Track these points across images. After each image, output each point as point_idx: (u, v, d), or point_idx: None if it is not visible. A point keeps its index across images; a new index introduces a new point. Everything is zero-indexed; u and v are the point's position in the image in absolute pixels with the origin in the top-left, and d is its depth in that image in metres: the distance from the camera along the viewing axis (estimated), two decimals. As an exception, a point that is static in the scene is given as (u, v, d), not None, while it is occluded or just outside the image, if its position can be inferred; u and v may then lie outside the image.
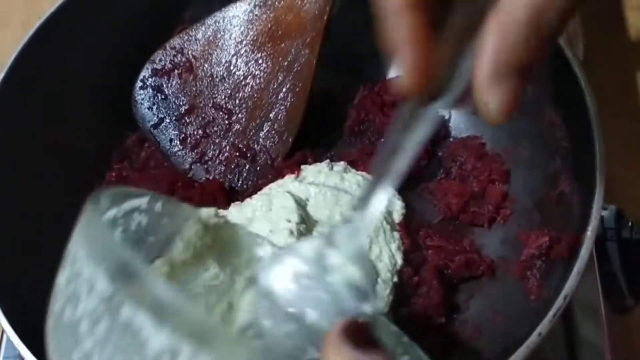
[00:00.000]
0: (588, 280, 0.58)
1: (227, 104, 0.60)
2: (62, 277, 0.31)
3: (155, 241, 0.41)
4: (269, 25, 0.58)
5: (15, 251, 0.52)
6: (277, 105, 0.59)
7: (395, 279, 0.52)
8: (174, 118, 0.60)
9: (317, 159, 0.59)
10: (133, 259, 0.29)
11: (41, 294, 0.52)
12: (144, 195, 0.39)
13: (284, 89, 0.59)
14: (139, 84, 0.60)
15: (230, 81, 0.59)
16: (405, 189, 0.59)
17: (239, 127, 0.60)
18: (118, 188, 0.37)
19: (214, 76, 0.60)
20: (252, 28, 0.59)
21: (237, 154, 0.60)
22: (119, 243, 0.32)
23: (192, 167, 0.60)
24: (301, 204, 0.53)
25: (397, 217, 0.56)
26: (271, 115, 0.59)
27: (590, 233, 0.47)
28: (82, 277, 0.30)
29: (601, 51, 0.73)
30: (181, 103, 0.60)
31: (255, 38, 0.59)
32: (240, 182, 0.60)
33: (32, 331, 0.47)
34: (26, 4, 0.75)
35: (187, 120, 0.60)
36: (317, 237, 0.49)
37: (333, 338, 0.30)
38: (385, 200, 0.34)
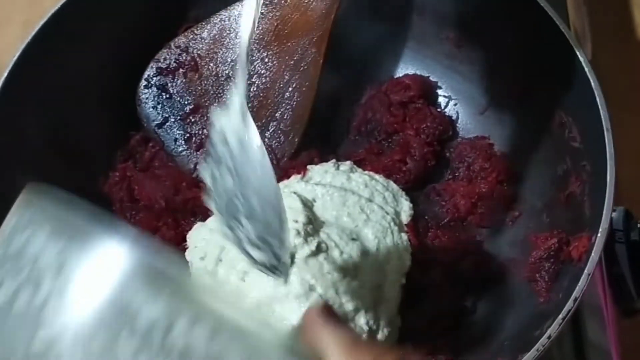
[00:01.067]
0: (596, 282, 0.58)
1: (233, 104, 0.59)
2: None
3: None
4: (275, 24, 0.58)
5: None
6: (283, 104, 0.59)
7: (403, 280, 0.52)
8: (178, 117, 0.60)
9: (323, 159, 0.58)
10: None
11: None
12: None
13: (290, 88, 0.58)
14: (143, 83, 0.60)
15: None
16: (413, 190, 0.58)
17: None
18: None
19: (219, 75, 0.59)
20: (258, 27, 0.58)
21: (243, 153, 0.59)
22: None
23: (197, 166, 0.59)
24: (308, 205, 0.52)
25: (405, 218, 0.56)
26: (277, 114, 0.59)
27: (600, 235, 0.46)
28: (40, 261, 0.29)
29: (609, 50, 0.73)
30: (186, 102, 0.60)
31: (261, 37, 0.58)
32: (245, 182, 0.59)
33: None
34: (29, 3, 0.75)
35: (192, 120, 0.60)
36: None
37: (314, 320, 0.32)
38: None
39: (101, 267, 0.28)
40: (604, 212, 0.47)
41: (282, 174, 0.57)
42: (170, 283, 0.29)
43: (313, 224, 0.50)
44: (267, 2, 0.58)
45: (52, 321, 0.27)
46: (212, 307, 0.29)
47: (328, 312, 0.33)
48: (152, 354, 0.27)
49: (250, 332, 0.29)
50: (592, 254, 0.46)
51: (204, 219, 0.56)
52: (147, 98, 0.60)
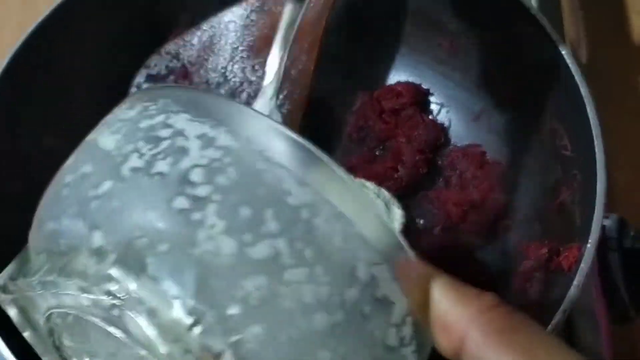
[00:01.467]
0: (590, 290, 0.58)
1: (223, 111, 0.59)
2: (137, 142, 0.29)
3: None
4: (266, 31, 0.58)
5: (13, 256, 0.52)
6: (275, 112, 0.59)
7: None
8: (169, 124, 0.60)
9: (315, 166, 0.58)
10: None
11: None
12: None
13: (281, 96, 0.58)
14: (133, 89, 0.60)
15: (227, 87, 0.59)
16: (404, 198, 0.58)
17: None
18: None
19: (210, 82, 0.59)
20: (249, 33, 0.58)
21: (234, 161, 0.59)
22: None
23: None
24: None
25: (396, 225, 0.56)
26: (268, 122, 0.59)
27: (590, 246, 0.46)
28: (186, 136, 0.29)
29: (605, 55, 0.73)
30: (176, 109, 0.60)
31: (251, 44, 0.58)
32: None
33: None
34: (23, 6, 0.75)
35: (182, 127, 0.60)
36: None
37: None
38: None
39: (254, 143, 0.28)
40: (594, 223, 0.46)
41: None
42: (319, 169, 0.29)
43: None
44: (258, 9, 0.57)
45: (198, 184, 0.27)
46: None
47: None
48: (296, 235, 0.27)
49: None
50: (582, 264, 0.46)
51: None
52: (137, 105, 0.60)
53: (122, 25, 0.60)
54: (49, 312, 0.30)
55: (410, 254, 0.30)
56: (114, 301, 0.27)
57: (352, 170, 0.59)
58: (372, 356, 0.28)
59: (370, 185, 0.57)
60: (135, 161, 0.28)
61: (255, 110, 0.30)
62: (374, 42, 0.63)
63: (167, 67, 0.60)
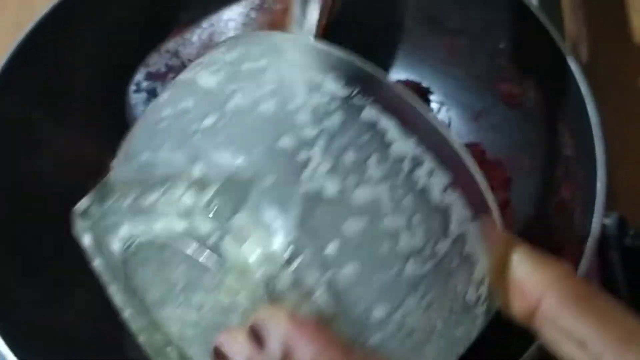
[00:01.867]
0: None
1: (223, 109, 0.59)
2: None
3: None
4: (265, 29, 0.58)
5: (2, 256, 0.52)
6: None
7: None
8: (168, 123, 0.60)
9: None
10: (369, 68, 0.30)
11: (33, 306, 0.52)
12: None
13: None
14: (133, 87, 0.59)
15: (226, 85, 0.59)
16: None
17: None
18: None
19: (210, 80, 0.59)
20: (249, 31, 0.58)
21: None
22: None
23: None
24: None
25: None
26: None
27: (590, 245, 0.46)
28: (292, 80, 0.29)
29: (605, 54, 0.73)
30: (176, 107, 0.60)
31: (251, 42, 0.58)
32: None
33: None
34: (18, 5, 0.74)
35: (182, 125, 0.59)
36: None
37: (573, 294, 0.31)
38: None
39: (360, 93, 0.29)
40: (594, 221, 0.46)
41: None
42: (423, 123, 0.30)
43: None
44: (258, 7, 0.57)
45: (305, 125, 0.28)
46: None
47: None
48: (396, 183, 0.28)
49: None
50: (582, 263, 0.46)
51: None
52: (136, 103, 0.60)
53: (122, 23, 0.60)
54: (130, 241, 0.31)
55: (498, 218, 0.31)
56: (213, 229, 0.27)
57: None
58: (451, 309, 0.29)
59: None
60: (240, 99, 0.29)
61: (362, 61, 0.31)
62: (374, 40, 0.63)
63: (166, 65, 0.59)
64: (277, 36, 0.33)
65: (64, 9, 0.56)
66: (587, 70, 0.51)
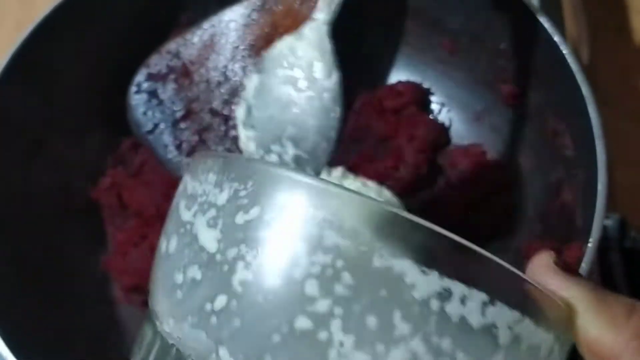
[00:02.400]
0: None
1: (224, 110, 0.59)
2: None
3: None
4: (266, 30, 0.57)
5: (1, 258, 0.52)
6: (275, 111, 0.58)
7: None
8: (169, 124, 0.59)
9: (315, 165, 0.58)
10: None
11: (30, 305, 0.52)
12: None
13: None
14: (133, 88, 0.59)
15: (227, 86, 0.58)
16: (405, 197, 0.58)
17: (235, 133, 0.59)
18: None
19: (210, 81, 0.59)
20: (250, 32, 0.57)
21: (234, 160, 0.59)
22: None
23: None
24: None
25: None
26: (269, 121, 0.58)
27: (591, 246, 0.46)
28: (291, 237, 0.27)
29: (607, 56, 0.73)
30: (177, 108, 0.59)
31: (252, 43, 0.58)
32: (236, 189, 0.59)
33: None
34: (20, 4, 0.74)
35: (183, 126, 0.59)
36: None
37: (549, 267, 0.31)
38: None
39: (362, 236, 0.26)
40: (595, 223, 0.46)
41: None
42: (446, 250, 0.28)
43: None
44: (259, 8, 0.57)
45: (316, 298, 0.26)
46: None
47: (562, 260, 0.32)
48: (429, 330, 0.26)
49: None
50: (583, 264, 0.46)
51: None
52: (137, 104, 0.59)
53: (123, 24, 0.60)
54: None
55: (547, 292, 0.29)
56: None
57: (353, 169, 0.59)
58: None
59: (371, 184, 0.57)
60: (243, 273, 0.27)
61: (351, 191, 0.28)
62: (375, 41, 0.63)
63: (167, 65, 0.59)
64: (256, 167, 0.30)
65: (65, 9, 0.56)
66: (587, 71, 0.51)
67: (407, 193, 0.58)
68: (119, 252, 0.58)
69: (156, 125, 0.59)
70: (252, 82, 0.45)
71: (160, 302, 0.30)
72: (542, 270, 0.31)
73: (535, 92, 0.56)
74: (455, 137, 0.61)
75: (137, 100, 0.59)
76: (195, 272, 0.28)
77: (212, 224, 0.29)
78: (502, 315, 0.27)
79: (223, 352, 0.27)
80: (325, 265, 0.26)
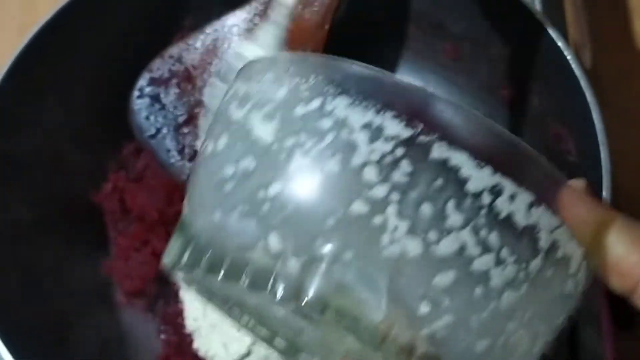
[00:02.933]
0: (594, 294, 0.57)
1: (226, 114, 0.59)
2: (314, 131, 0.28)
3: None
4: (270, 34, 0.57)
5: (5, 264, 0.52)
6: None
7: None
8: (171, 128, 0.59)
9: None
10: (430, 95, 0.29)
11: (32, 309, 0.52)
12: None
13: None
14: (136, 93, 0.59)
15: (230, 91, 0.58)
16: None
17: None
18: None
19: (213, 86, 0.59)
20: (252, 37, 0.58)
21: (236, 164, 0.59)
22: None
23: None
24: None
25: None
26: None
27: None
28: (351, 127, 0.28)
29: (609, 60, 0.72)
30: (179, 113, 0.59)
31: (254, 47, 0.58)
32: (238, 193, 0.58)
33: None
34: (22, 9, 0.74)
35: (185, 131, 0.59)
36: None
37: (583, 199, 0.31)
38: None
39: (424, 128, 0.28)
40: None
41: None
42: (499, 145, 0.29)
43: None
44: (261, 14, 0.57)
45: (374, 183, 0.27)
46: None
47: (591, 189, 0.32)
48: (479, 223, 0.27)
49: None
50: (587, 270, 0.46)
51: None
52: (139, 108, 0.59)
53: (125, 28, 0.60)
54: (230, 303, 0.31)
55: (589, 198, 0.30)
56: (300, 306, 0.27)
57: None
58: (550, 307, 0.29)
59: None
60: (300, 159, 0.28)
61: (417, 87, 0.29)
62: (377, 46, 0.63)
63: (170, 70, 0.59)
64: (321, 63, 0.32)
65: (67, 13, 0.56)
66: (590, 75, 0.51)
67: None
68: (121, 257, 0.58)
69: (158, 130, 0.59)
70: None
71: (204, 199, 0.30)
72: (573, 196, 0.32)
73: (538, 97, 0.56)
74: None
75: (139, 104, 0.59)
76: (249, 163, 0.29)
77: (269, 117, 0.29)
78: (545, 218, 0.28)
79: (273, 238, 0.27)
80: (384, 152, 0.27)
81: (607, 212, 0.31)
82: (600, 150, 0.48)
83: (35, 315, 0.52)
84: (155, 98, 0.59)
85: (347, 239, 0.26)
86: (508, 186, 0.27)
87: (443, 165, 0.27)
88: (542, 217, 0.28)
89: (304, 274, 0.27)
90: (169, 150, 0.59)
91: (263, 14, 0.57)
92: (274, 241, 0.27)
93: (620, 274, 0.30)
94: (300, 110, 0.29)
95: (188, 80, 0.59)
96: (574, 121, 0.52)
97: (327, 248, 0.26)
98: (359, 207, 0.26)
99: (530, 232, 0.28)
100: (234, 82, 0.33)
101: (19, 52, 0.55)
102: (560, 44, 0.51)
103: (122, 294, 0.58)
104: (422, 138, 0.27)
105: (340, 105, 0.28)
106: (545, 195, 0.29)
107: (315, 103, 0.28)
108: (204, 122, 0.54)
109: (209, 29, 0.58)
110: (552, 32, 0.52)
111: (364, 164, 0.27)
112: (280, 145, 0.28)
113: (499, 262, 0.27)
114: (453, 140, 0.27)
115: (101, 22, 0.59)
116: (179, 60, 0.59)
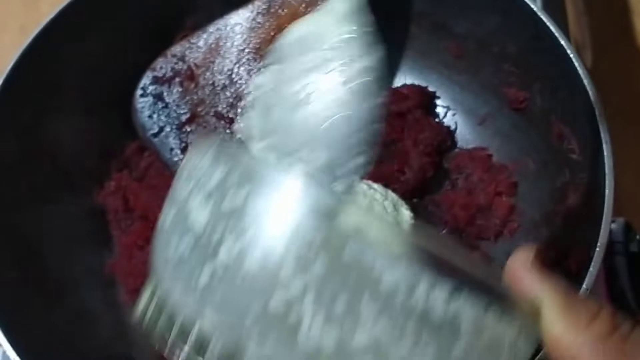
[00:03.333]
0: (596, 294, 0.57)
1: (229, 113, 0.59)
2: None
3: None
4: (272, 33, 0.57)
5: (9, 262, 0.52)
6: (281, 114, 0.58)
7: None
8: (174, 127, 0.59)
9: (320, 169, 0.58)
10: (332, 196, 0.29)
11: (37, 308, 0.52)
12: None
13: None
14: (139, 91, 0.59)
15: (232, 90, 0.58)
16: (410, 200, 0.58)
17: (240, 136, 0.59)
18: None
19: (216, 84, 0.59)
20: (255, 36, 0.57)
21: (239, 163, 0.59)
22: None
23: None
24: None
25: (404, 227, 0.55)
26: (274, 124, 0.58)
27: (599, 250, 0.46)
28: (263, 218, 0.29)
29: (610, 60, 0.73)
30: (182, 112, 0.59)
31: (257, 46, 0.57)
32: (242, 192, 0.58)
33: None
34: (24, 9, 0.74)
35: (188, 129, 0.59)
36: None
37: (526, 265, 0.32)
38: None
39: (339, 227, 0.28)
40: (602, 226, 0.46)
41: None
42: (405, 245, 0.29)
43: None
44: (264, 12, 0.57)
45: (291, 282, 0.27)
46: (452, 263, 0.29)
47: (541, 258, 0.32)
48: (394, 315, 0.27)
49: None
50: (590, 268, 0.46)
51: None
52: (143, 107, 0.59)
53: (128, 27, 0.60)
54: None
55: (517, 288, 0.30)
56: None
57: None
58: None
59: (377, 187, 0.57)
60: (225, 254, 0.28)
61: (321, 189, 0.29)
62: (380, 45, 0.63)
63: (173, 69, 0.59)
64: (249, 159, 0.32)
65: (69, 13, 0.56)
66: (590, 75, 0.51)
67: (412, 196, 0.58)
68: (124, 255, 0.58)
69: (162, 128, 0.59)
70: (263, 80, 0.43)
71: (157, 266, 0.32)
72: (518, 266, 0.32)
73: (541, 96, 0.56)
74: (461, 141, 0.61)
75: (142, 103, 0.59)
76: (184, 249, 0.30)
77: (205, 201, 0.30)
78: (466, 306, 0.28)
79: (207, 320, 0.29)
80: (302, 247, 0.27)
81: (548, 285, 0.31)
82: (604, 149, 0.48)
83: (39, 315, 0.52)
84: (158, 97, 0.59)
85: (265, 336, 0.27)
86: (425, 278, 0.27)
87: (357, 261, 0.27)
88: (463, 304, 0.28)
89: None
90: (172, 149, 0.59)
91: (266, 12, 0.57)
92: (207, 322, 0.29)
93: (557, 351, 0.30)
94: (227, 204, 0.29)
95: (191, 79, 0.59)
96: (577, 120, 0.52)
97: (248, 342, 0.28)
98: (276, 304, 0.27)
99: (450, 321, 0.28)
100: (187, 154, 0.34)
101: (22, 52, 0.55)
102: (563, 43, 0.51)
103: (126, 292, 0.58)
104: (335, 237, 0.28)
105: (261, 204, 0.29)
106: (470, 283, 0.28)
107: (241, 195, 0.29)
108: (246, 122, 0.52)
109: (212, 28, 0.58)
110: (555, 32, 0.52)
111: (283, 259, 0.27)
112: (209, 238, 0.29)
113: (416, 352, 0.27)
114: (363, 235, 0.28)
115: (103, 22, 0.58)
116: (182, 59, 0.59)
